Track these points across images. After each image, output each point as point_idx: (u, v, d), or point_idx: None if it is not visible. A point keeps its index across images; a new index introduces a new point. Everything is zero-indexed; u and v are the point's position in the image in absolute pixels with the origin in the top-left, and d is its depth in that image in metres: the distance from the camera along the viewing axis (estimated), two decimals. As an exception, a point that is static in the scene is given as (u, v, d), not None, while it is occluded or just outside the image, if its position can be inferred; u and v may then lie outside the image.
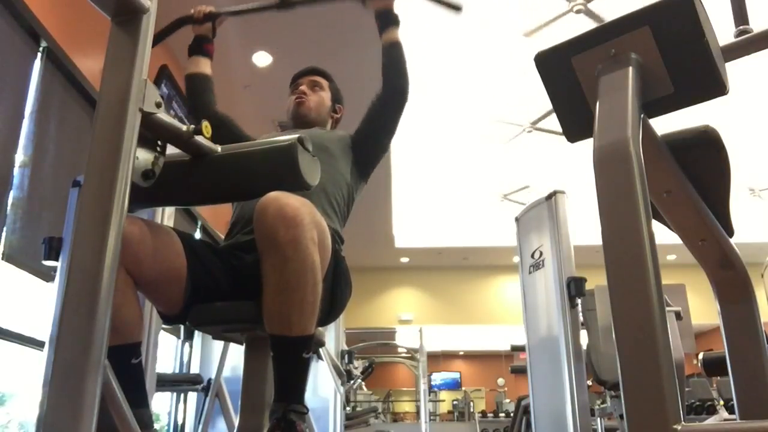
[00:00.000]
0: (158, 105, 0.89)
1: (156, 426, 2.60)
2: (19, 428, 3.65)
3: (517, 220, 3.54)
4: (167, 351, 4.63)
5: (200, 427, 2.94)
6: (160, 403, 4.56)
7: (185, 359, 4.76)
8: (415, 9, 4.63)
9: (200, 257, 1.41)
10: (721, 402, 4.67)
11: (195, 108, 1.91)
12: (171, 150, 1.06)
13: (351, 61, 4.71)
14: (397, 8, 1.88)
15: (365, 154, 1.85)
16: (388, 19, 1.86)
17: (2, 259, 2.69)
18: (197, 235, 5.12)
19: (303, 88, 1.95)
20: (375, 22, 1.88)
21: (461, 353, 16.50)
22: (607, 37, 0.81)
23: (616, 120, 0.75)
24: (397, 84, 1.82)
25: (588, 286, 2.98)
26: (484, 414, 12.48)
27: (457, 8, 1.78)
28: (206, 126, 1.11)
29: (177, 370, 4.66)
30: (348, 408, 5.55)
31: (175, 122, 1.00)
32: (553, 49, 0.87)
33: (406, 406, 15.25)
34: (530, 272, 3.27)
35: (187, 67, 1.93)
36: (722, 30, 0.98)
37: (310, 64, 2.05)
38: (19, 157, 2.87)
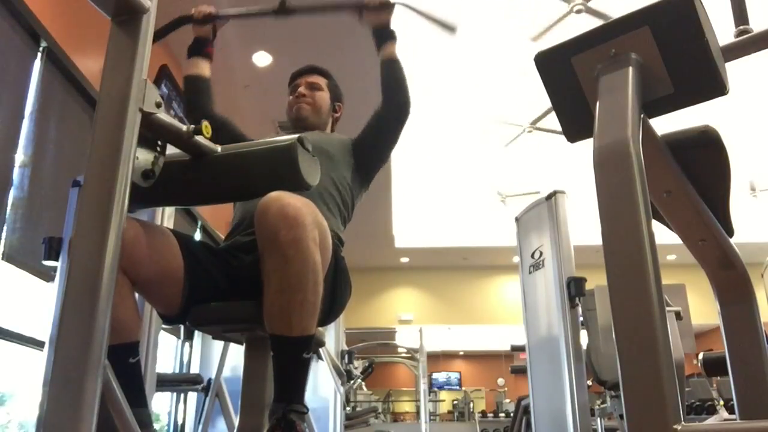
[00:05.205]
0: (158, 105, 0.89)
1: (156, 426, 2.60)
2: (19, 428, 3.65)
3: (517, 220, 3.54)
4: (167, 351, 4.63)
5: (200, 427, 2.94)
6: (160, 403, 4.56)
7: (185, 359, 4.76)
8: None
9: (198, 258, 1.41)
10: (721, 402, 4.67)
11: (193, 110, 1.90)
12: (171, 150, 1.06)
13: (351, 59, 4.71)
14: (394, 22, 1.86)
15: (366, 162, 1.86)
16: (384, 36, 1.86)
17: (2, 259, 2.69)
18: (197, 235, 5.12)
19: (302, 89, 1.94)
20: (372, 37, 1.87)
21: (461, 353, 16.50)
22: (607, 37, 0.81)
23: (616, 120, 0.74)
24: (398, 100, 1.82)
25: (588, 286, 2.98)
26: (484, 414, 12.49)
27: (451, 29, 1.78)
28: (206, 126, 1.11)
29: (177, 370, 4.66)
30: (348, 408, 5.55)
31: (175, 122, 1.00)
32: (553, 49, 0.87)
33: (406, 406, 15.25)
34: (530, 272, 3.27)
35: (185, 69, 1.93)
36: (722, 30, 0.98)
37: (309, 63, 2.05)
38: (19, 157, 2.87)
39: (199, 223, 5.18)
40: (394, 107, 1.82)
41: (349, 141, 1.86)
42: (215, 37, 1.91)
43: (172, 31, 1.86)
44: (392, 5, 1.84)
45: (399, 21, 1.86)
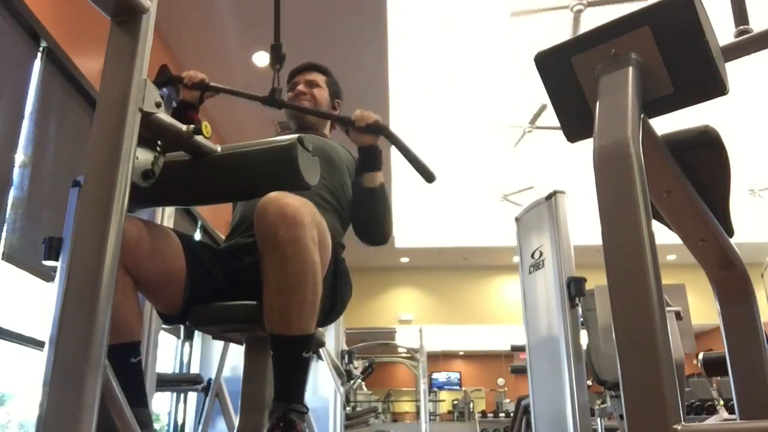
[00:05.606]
0: (158, 105, 0.89)
1: (156, 426, 2.60)
2: (19, 428, 3.65)
3: (517, 220, 3.54)
4: (167, 351, 4.63)
5: (200, 427, 2.94)
6: (160, 403, 4.56)
7: (185, 359, 4.76)
8: (416, 11, 4.65)
9: (199, 258, 1.41)
10: (721, 402, 4.66)
11: None
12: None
13: (350, 60, 4.71)
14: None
15: None
16: (369, 161, 1.76)
17: (2, 259, 2.69)
18: (197, 235, 5.12)
19: (300, 87, 1.93)
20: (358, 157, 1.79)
21: (461, 353, 16.50)
22: (607, 37, 0.81)
23: (616, 120, 0.74)
24: (373, 239, 1.76)
25: (588, 286, 2.98)
26: (484, 414, 12.49)
27: (430, 178, 1.69)
28: (206, 126, 1.11)
29: (177, 370, 4.66)
30: (348, 408, 5.55)
31: (175, 122, 1.01)
32: (553, 49, 0.87)
33: (406, 406, 15.25)
34: (530, 272, 3.27)
35: None
36: (722, 30, 0.98)
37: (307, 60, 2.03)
38: (19, 157, 2.87)
39: (199, 223, 5.18)
40: (371, 238, 1.77)
41: (352, 158, 1.86)
42: (202, 103, 1.82)
43: (159, 88, 1.81)
44: (378, 131, 1.72)
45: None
